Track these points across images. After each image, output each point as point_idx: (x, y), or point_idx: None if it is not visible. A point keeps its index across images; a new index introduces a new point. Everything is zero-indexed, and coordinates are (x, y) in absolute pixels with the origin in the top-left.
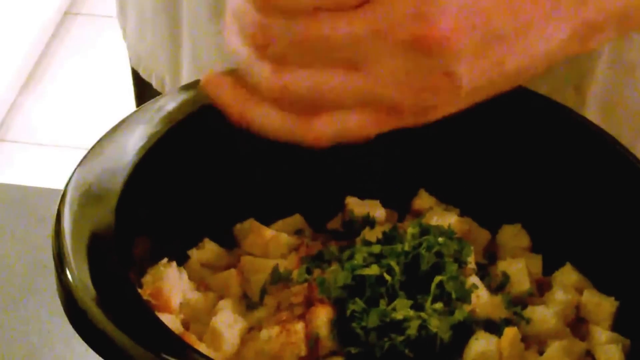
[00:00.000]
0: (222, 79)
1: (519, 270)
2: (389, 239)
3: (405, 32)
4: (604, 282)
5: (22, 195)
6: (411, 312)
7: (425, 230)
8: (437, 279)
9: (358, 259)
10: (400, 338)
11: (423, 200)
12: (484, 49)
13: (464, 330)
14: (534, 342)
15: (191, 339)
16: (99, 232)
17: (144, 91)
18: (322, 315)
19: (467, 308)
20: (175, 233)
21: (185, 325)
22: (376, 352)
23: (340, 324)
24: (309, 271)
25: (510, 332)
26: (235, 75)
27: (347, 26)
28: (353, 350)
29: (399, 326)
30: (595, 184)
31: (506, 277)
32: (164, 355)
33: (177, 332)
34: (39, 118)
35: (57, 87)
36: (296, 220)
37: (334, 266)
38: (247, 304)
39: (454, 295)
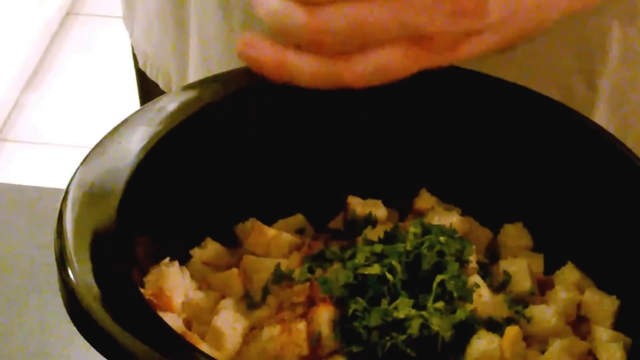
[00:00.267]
0: (258, 38)
1: (521, 269)
2: (390, 238)
3: None
4: (605, 281)
5: (24, 195)
6: (413, 311)
7: (426, 230)
8: (439, 278)
9: (360, 258)
10: (402, 337)
11: (424, 199)
12: None
13: (466, 329)
14: (535, 341)
15: (193, 338)
16: (101, 232)
17: (148, 92)
18: (324, 315)
19: (468, 307)
20: (177, 232)
21: (187, 324)
22: (378, 351)
23: (342, 323)
24: (310, 270)
25: (511, 331)
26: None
27: None
28: (355, 350)
29: (400, 325)
30: (596, 183)
31: (508, 276)
32: (166, 355)
33: (179, 331)
34: (42, 117)
35: (59, 86)
36: (298, 219)
37: (336, 265)
38: (249, 303)
39: (455, 295)
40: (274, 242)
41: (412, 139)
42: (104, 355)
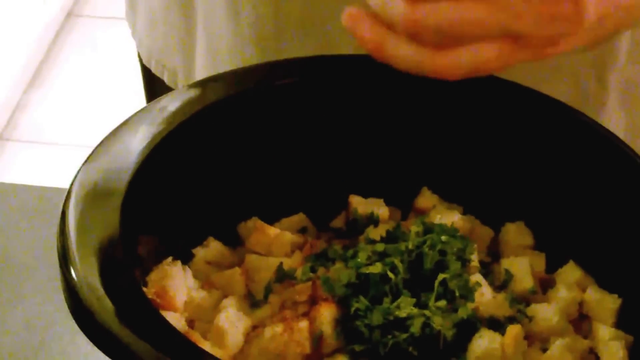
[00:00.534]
0: (362, 14)
1: (522, 268)
2: (392, 237)
3: None
4: (607, 279)
5: (27, 194)
6: (415, 310)
7: (428, 229)
8: (441, 276)
9: (362, 257)
10: (404, 336)
11: (426, 198)
12: None
13: (468, 328)
14: (537, 339)
15: (195, 337)
16: (103, 231)
17: (154, 88)
18: (326, 313)
19: (470, 306)
20: (180, 232)
21: (190, 323)
22: (380, 350)
23: (344, 322)
24: (313, 269)
25: (513, 329)
26: (373, 12)
27: None
28: (357, 348)
29: (402, 324)
30: (598, 182)
31: (509, 275)
32: (168, 353)
33: (181, 330)
34: (44, 117)
35: (61, 86)
36: (300, 218)
37: (338, 264)
38: (252, 302)
39: (457, 293)
40: (277, 241)
41: (414, 138)
42: (106, 354)
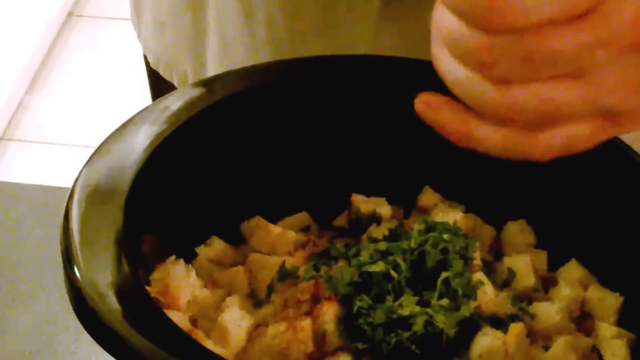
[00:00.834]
0: (439, 100)
1: (525, 266)
2: (394, 235)
3: (628, 38)
4: (609, 277)
5: (30, 194)
6: (417, 308)
7: (430, 227)
8: (443, 275)
9: (364, 255)
10: (407, 334)
11: (428, 197)
12: None
13: (470, 326)
14: (539, 337)
15: (199, 335)
16: (107, 230)
17: (161, 91)
18: (329, 312)
19: (472, 304)
20: (183, 230)
21: (193, 322)
22: (383, 348)
23: (347, 321)
24: (315, 268)
25: (515, 327)
26: (449, 97)
27: (574, 37)
28: (360, 347)
29: (405, 322)
30: (600, 180)
31: (512, 273)
32: (172, 352)
33: (184, 329)
34: (46, 117)
35: (63, 86)
36: (303, 217)
37: (341, 263)
38: (255, 300)
39: (459, 292)
40: (279, 239)
41: (416, 137)
42: (110, 353)
